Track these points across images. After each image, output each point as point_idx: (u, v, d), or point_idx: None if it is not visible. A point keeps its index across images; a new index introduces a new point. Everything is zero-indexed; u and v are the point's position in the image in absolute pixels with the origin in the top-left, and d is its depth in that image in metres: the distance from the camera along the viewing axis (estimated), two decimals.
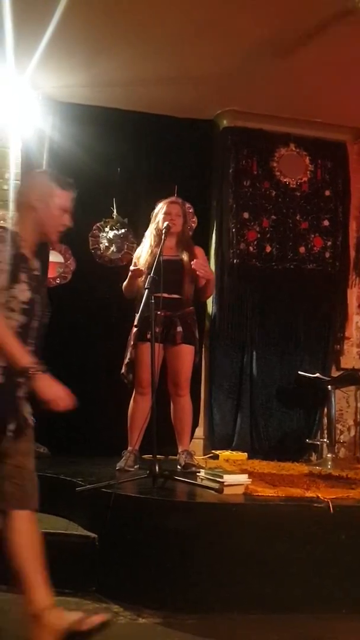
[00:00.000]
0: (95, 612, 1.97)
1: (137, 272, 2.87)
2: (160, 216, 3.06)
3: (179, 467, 2.90)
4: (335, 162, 4.12)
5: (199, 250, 3.15)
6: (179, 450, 2.99)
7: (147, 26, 3.05)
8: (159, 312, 2.78)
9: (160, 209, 3.10)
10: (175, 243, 3.06)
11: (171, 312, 2.94)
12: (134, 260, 3.18)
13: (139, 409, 2.92)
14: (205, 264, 2.99)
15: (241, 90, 3.66)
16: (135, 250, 3.51)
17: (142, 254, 3.07)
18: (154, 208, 3.22)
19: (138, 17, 2.97)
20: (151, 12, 2.93)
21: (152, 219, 3.15)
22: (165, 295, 2.87)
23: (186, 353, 2.97)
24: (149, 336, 2.73)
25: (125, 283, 3.07)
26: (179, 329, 2.94)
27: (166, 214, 3.04)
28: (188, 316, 3.01)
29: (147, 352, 2.75)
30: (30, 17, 2.94)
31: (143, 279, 2.81)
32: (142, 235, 3.35)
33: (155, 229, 3.06)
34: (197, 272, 2.87)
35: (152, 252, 2.97)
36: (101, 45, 3.21)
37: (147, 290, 2.60)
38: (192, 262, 2.90)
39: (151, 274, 2.67)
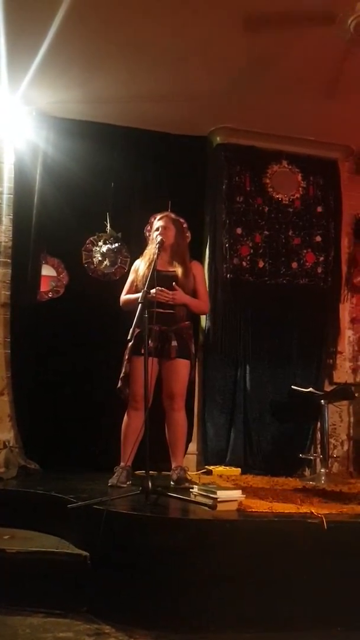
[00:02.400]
0: (86, 633, 1.93)
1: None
2: (154, 232, 3.08)
3: (172, 483, 2.88)
4: (327, 179, 4.17)
5: (195, 265, 3.16)
6: (173, 466, 2.96)
7: (141, 44, 3.09)
8: (153, 327, 2.78)
9: (153, 224, 3.13)
10: (169, 257, 3.07)
11: (166, 327, 2.94)
12: (131, 271, 3.19)
13: (132, 424, 2.90)
14: (175, 292, 2.93)
15: (234, 108, 3.72)
16: (128, 264, 3.52)
17: (140, 267, 3.08)
18: (147, 223, 3.25)
19: (133, 34, 3.01)
20: (146, 29, 2.98)
21: (147, 235, 3.17)
22: (160, 310, 2.87)
23: (181, 367, 2.96)
24: (143, 350, 2.72)
25: (128, 298, 3.07)
26: (174, 343, 2.93)
27: (157, 229, 3.07)
28: (183, 330, 3.01)
29: (141, 367, 2.74)
30: (25, 33, 2.98)
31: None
32: (136, 250, 3.37)
33: (151, 244, 3.08)
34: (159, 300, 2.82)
35: (149, 265, 2.99)
36: (96, 62, 3.25)
37: (140, 305, 2.60)
38: (156, 290, 2.85)
39: (144, 289, 2.68)
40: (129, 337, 2.76)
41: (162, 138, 3.97)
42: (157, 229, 3.07)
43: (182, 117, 3.79)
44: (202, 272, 3.22)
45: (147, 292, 2.67)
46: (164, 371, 2.97)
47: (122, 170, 3.91)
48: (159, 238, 2.99)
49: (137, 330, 2.71)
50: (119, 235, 3.84)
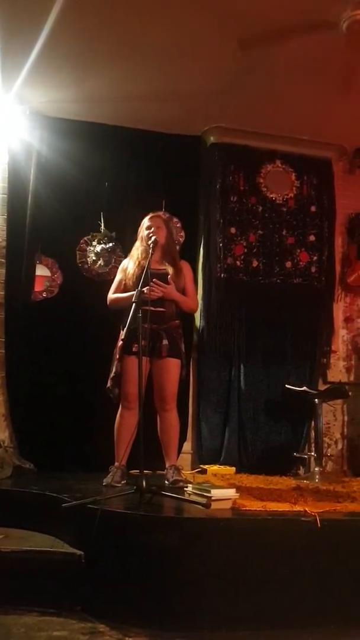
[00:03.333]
0: (81, 632, 1.94)
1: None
2: (144, 231, 3.08)
3: (166, 482, 2.88)
4: (320, 178, 4.19)
5: (184, 265, 3.17)
6: (167, 465, 2.97)
7: (135, 43, 3.10)
8: (145, 325, 2.78)
9: (143, 224, 3.13)
10: (160, 256, 3.08)
11: (157, 325, 2.95)
12: (119, 271, 3.19)
13: (126, 423, 2.90)
14: (166, 286, 2.95)
15: (228, 107, 3.73)
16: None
17: (129, 267, 3.08)
18: (140, 223, 3.25)
19: (126, 34, 3.02)
20: (139, 29, 2.98)
21: (138, 234, 3.18)
22: (152, 308, 2.87)
23: (172, 366, 2.97)
24: (135, 349, 2.72)
25: (118, 297, 3.06)
26: (165, 342, 2.94)
27: (148, 228, 3.07)
28: (174, 330, 3.02)
29: (133, 366, 2.74)
30: (19, 32, 2.98)
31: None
32: (130, 249, 3.36)
33: (141, 243, 3.08)
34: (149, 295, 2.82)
35: (139, 264, 2.99)
36: (89, 61, 3.26)
37: (134, 304, 2.60)
38: (152, 283, 2.86)
39: (139, 287, 2.68)
40: (122, 337, 2.76)
41: (155, 138, 3.97)
42: (149, 228, 3.07)
43: (176, 116, 3.79)
44: (191, 272, 3.23)
45: (141, 291, 2.67)
46: (154, 371, 2.98)
47: (116, 170, 3.91)
48: (152, 238, 3.00)
49: (131, 329, 2.70)
50: (113, 235, 3.84)
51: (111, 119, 3.87)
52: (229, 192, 4.02)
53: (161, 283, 2.92)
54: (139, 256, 3.04)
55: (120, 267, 3.22)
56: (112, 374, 2.97)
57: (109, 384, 2.97)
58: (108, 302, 3.13)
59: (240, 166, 4.05)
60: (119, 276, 3.16)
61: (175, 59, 3.22)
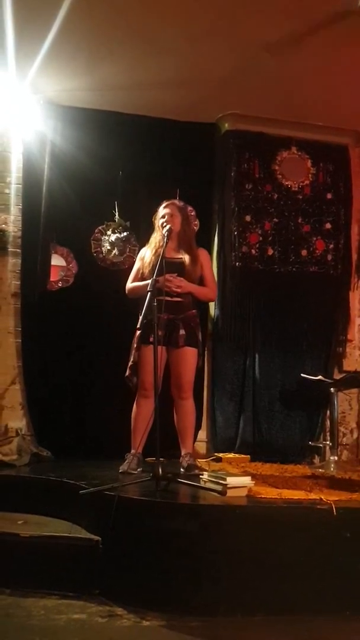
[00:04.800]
0: (99, 615, 1.98)
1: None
2: (159, 220, 3.09)
3: (182, 469, 2.91)
4: (337, 165, 4.13)
5: (202, 252, 3.17)
6: (182, 453, 3.00)
7: (148, 30, 3.07)
8: (161, 315, 2.80)
9: (159, 212, 3.14)
10: (176, 244, 3.08)
11: (174, 315, 2.96)
12: (137, 259, 3.21)
13: (142, 412, 2.94)
14: (181, 280, 2.95)
15: (243, 94, 3.69)
16: (137, 253, 3.53)
17: (147, 255, 3.09)
18: (155, 211, 3.26)
19: (139, 21, 3.00)
20: (153, 16, 2.96)
21: (154, 223, 3.18)
22: (168, 298, 2.88)
23: (189, 356, 2.98)
24: (151, 339, 2.74)
25: (135, 285, 3.09)
26: (182, 331, 2.95)
27: (162, 216, 3.07)
28: (191, 319, 3.03)
29: (150, 355, 2.76)
30: (32, 21, 2.97)
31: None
32: (144, 238, 3.37)
33: (157, 232, 3.09)
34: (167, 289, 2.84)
35: (155, 253, 3.00)
36: (103, 49, 3.24)
37: (149, 293, 2.61)
38: (171, 277, 2.87)
39: (154, 277, 2.69)
40: (138, 326, 2.79)
41: (169, 125, 3.95)
42: (163, 217, 3.07)
43: (190, 103, 3.76)
44: (209, 259, 3.23)
45: (156, 280, 2.68)
46: (172, 360, 3.00)
47: (129, 158, 3.90)
48: (167, 226, 3.00)
49: (146, 319, 2.72)
50: (128, 224, 3.85)
51: (124, 107, 3.85)
52: (243, 180, 3.99)
53: (175, 279, 2.91)
54: (156, 245, 3.05)
55: (138, 256, 3.23)
56: (130, 363, 3.00)
57: (127, 373, 3.01)
58: (126, 291, 3.16)
59: (255, 153, 4.02)
60: (137, 265, 3.18)
61: (189, 45, 3.19)
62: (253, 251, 3.97)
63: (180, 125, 3.97)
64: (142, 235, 3.71)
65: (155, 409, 2.54)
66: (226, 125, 4.03)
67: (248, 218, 3.99)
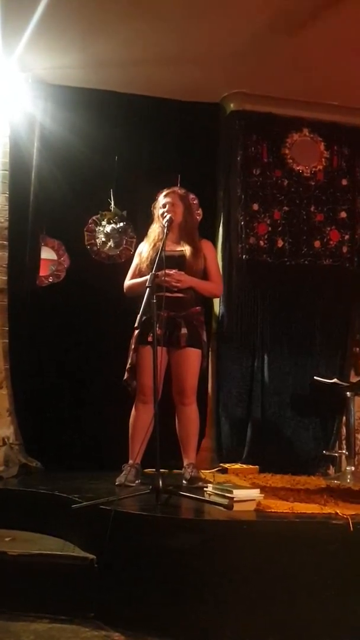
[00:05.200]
0: None
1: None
2: (159, 210, 3.07)
3: (184, 481, 2.91)
4: (352, 148, 4.13)
5: (205, 244, 3.16)
6: (185, 463, 2.99)
7: (147, 2, 3.06)
8: (161, 313, 2.79)
9: (158, 201, 3.13)
10: (177, 236, 3.07)
11: (175, 312, 2.95)
12: (135, 255, 3.20)
13: (141, 418, 2.93)
14: (181, 274, 2.94)
15: (250, 71, 3.67)
16: (134, 245, 3.52)
17: (144, 250, 3.08)
18: (155, 200, 3.25)
19: None
20: None
21: (153, 214, 3.18)
22: (168, 294, 2.87)
23: (191, 357, 2.97)
24: (150, 339, 2.73)
25: (133, 282, 3.08)
26: (184, 330, 2.94)
27: (162, 206, 3.06)
28: (194, 317, 3.02)
29: (148, 357, 2.75)
30: None
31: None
32: (142, 229, 3.36)
33: (156, 223, 3.08)
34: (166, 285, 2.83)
35: (154, 246, 2.99)
36: (97, 22, 3.23)
37: (148, 289, 2.60)
38: (172, 273, 2.87)
39: (153, 271, 2.68)
40: (135, 325, 2.77)
41: (169, 106, 3.94)
42: (164, 206, 3.06)
43: (192, 82, 3.75)
44: (214, 251, 3.22)
45: (155, 275, 2.67)
46: (173, 361, 2.99)
47: (126, 142, 3.89)
48: (167, 216, 2.99)
49: (145, 317, 2.71)
50: (124, 214, 3.84)
51: (121, 86, 3.84)
52: (251, 165, 3.99)
53: (175, 273, 2.90)
54: (155, 237, 3.04)
55: (137, 251, 3.23)
56: (128, 365, 2.99)
57: (125, 376, 3.00)
58: (125, 290, 3.15)
59: (264, 136, 4.02)
60: (135, 261, 3.17)
61: (191, 18, 3.17)
62: (261, 243, 3.96)
63: (181, 105, 3.96)
64: (139, 225, 3.70)
65: (154, 415, 2.52)
66: (232, 105, 4.02)
67: (256, 206, 3.98)
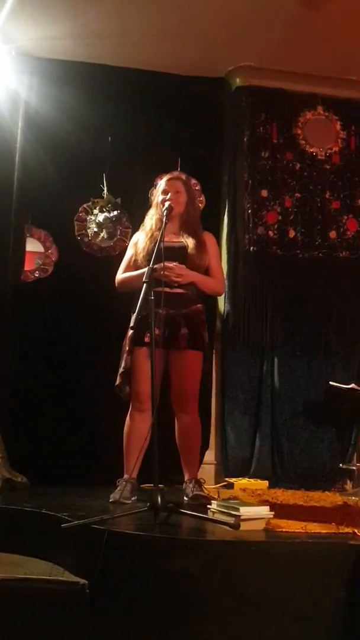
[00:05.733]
0: None
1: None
2: (159, 196, 3.07)
3: (185, 498, 2.91)
4: None
5: (208, 237, 3.16)
6: (186, 478, 2.99)
7: None
8: (159, 311, 2.79)
9: (158, 187, 3.13)
10: (178, 227, 3.07)
11: (174, 310, 2.95)
12: (129, 246, 3.19)
13: (137, 428, 2.93)
14: (182, 268, 2.94)
15: (258, 42, 3.68)
16: (130, 236, 3.52)
17: (140, 240, 3.08)
18: (151, 185, 3.26)
19: None
20: None
21: (151, 200, 3.18)
22: (167, 290, 2.87)
23: (192, 360, 2.98)
24: (147, 339, 2.73)
25: (127, 276, 3.08)
26: (184, 330, 2.94)
27: (164, 192, 3.06)
28: (195, 315, 3.02)
29: (145, 359, 2.75)
30: None
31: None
32: (138, 218, 3.37)
33: (155, 211, 3.08)
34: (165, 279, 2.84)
35: (152, 236, 2.99)
36: None
37: (145, 285, 2.60)
38: (172, 266, 2.88)
39: (150, 265, 2.68)
40: (131, 324, 2.78)
41: (169, 81, 3.95)
42: (164, 192, 3.06)
43: (194, 54, 3.76)
44: (216, 245, 3.22)
45: (153, 269, 2.67)
46: (172, 365, 2.99)
47: (120, 122, 3.90)
48: (167, 204, 2.99)
49: (140, 316, 2.72)
50: (119, 201, 3.84)
51: (114, 60, 3.85)
52: (259, 147, 4.00)
53: (175, 267, 2.90)
54: (152, 227, 3.04)
55: (131, 242, 3.22)
56: (121, 369, 2.99)
57: (118, 382, 3.00)
58: (116, 284, 3.14)
59: (273, 114, 4.03)
60: (129, 252, 3.16)
61: None
62: (271, 233, 3.97)
63: (181, 80, 3.97)
64: (136, 214, 3.71)
65: (152, 425, 2.53)
66: (238, 80, 4.03)
67: (265, 193, 3.99)
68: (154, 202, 3.13)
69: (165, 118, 3.94)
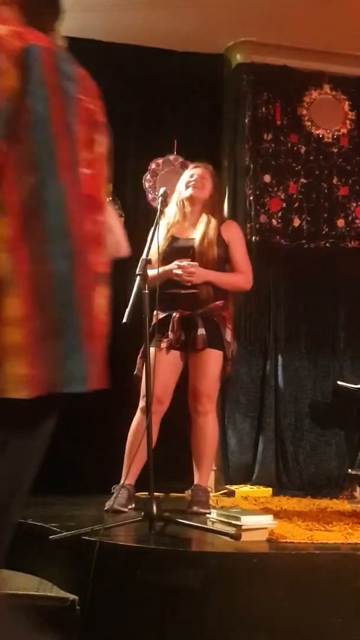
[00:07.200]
0: None
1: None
2: (184, 182, 3.09)
3: (187, 507, 2.90)
4: None
5: (230, 226, 3.14)
6: (195, 483, 2.97)
7: None
8: (174, 313, 2.85)
9: (185, 173, 3.16)
10: (198, 213, 3.07)
11: (190, 311, 2.96)
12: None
13: (141, 430, 2.93)
14: (194, 266, 2.93)
15: (260, 16, 3.67)
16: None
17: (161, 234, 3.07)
18: (147, 171, 3.25)
19: None
20: None
21: (146, 186, 3.18)
22: (182, 291, 2.89)
23: (210, 359, 2.98)
24: (164, 345, 2.83)
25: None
26: (201, 331, 2.95)
27: (190, 176, 3.07)
28: (214, 313, 3.01)
29: (159, 361, 2.79)
30: None
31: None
32: (132, 207, 3.37)
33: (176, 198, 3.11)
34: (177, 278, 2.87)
35: (167, 232, 3.02)
36: None
37: (138, 277, 2.59)
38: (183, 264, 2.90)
39: (143, 256, 2.67)
40: (124, 320, 2.77)
41: (163, 57, 3.95)
42: (192, 176, 3.07)
43: (191, 28, 3.75)
44: (241, 236, 3.20)
45: (146, 261, 2.66)
46: (190, 366, 3.02)
47: (111, 102, 3.86)
48: (162, 189, 2.99)
49: (156, 317, 2.75)
50: (110, 188, 3.84)
51: (103, 34, 3.84)
52: (261, 128, 4.00)
53: (186, 266, 2.90)
54: (171, 220, 3.06)
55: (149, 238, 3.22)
56: (135, 372, 3.03)
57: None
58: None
59: (277, 93, 4.03)
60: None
61: None
62: (274, 221, 3.98)
63: (177, 57, 3.97)
64: (129, 203, 3.70)
65: (148, 426, 2.53)
66: (238, 56, 4.03)
67: (267, 178, 3.99)
68: (178, 188, 3.13)
69: (159, 97, 3.94)
